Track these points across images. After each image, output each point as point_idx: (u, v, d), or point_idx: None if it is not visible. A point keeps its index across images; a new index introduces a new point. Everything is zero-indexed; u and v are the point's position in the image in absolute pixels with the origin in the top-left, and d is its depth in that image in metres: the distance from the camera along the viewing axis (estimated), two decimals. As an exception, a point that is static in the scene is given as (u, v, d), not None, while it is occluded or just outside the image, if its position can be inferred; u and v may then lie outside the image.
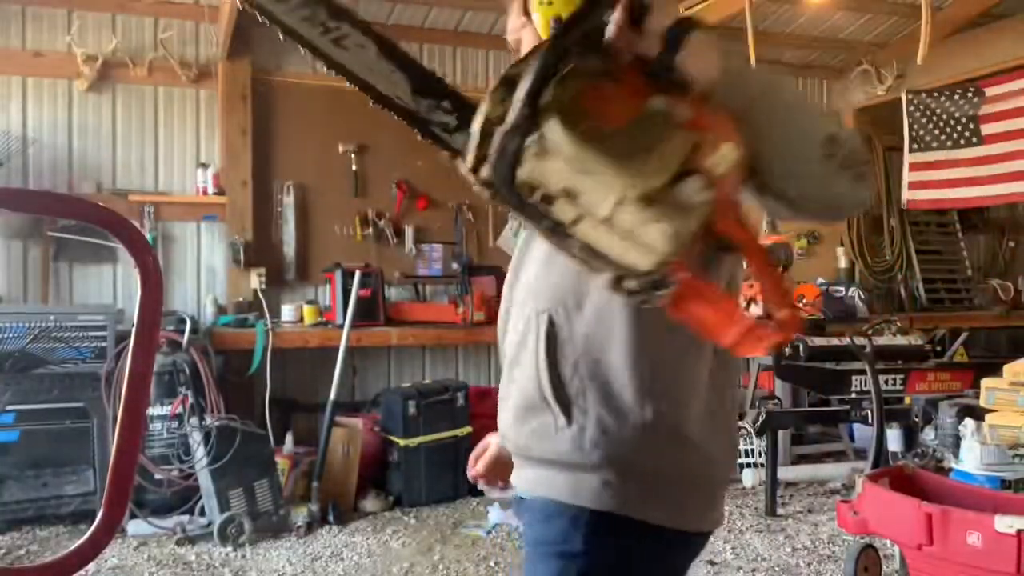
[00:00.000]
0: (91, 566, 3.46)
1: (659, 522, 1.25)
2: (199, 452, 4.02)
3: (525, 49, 1.32)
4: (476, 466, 1.56)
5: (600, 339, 1.25)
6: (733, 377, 1.41)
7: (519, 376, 1.32)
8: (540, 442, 1.29)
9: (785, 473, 4.90)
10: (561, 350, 1.27)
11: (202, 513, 4.12)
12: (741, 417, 4.73)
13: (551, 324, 1.27)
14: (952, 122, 5.97)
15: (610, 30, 0.99)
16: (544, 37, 1.28)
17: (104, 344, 4.28)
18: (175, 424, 4.20)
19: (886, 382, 4.29)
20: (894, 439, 4.05)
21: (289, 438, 4.68)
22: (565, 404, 1.25)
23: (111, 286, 5.06)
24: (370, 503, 4.52)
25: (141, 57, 5.12)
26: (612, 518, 1.24)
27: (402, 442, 4.56)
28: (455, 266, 5.65)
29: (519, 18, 1.38)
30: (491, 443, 1.55)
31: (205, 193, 5.19)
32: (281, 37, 1.31)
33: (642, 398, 1.24)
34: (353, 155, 5.54)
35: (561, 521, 1.27)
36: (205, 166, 5.21)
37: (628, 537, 1.25)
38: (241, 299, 5.15)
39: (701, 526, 1.32)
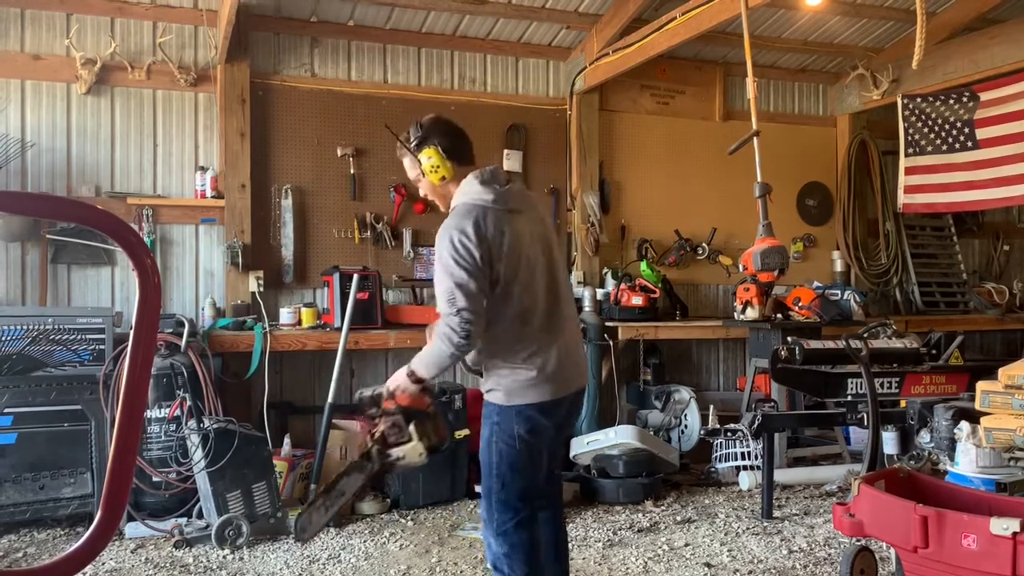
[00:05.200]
0: (88, 569, 3.46)
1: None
2: (197, 454, 4.02)
3: (427, 193, 2.88)
4: None
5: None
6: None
7: None
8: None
9: (781, 476, 4.91)
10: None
11: (200, 515, 4.12)
12: (735, 420, 4.74)
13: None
14: (947, 126, 5.99)
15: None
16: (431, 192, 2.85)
17: (102, 347, 4.29)
18: (173, 426, 4.21)
19: (881, 385, 4.30)
20: (890, 442, 4.05)
21: (287, 440, 4.68)
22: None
23: (109, 289, 5.07)
24: (368, 505, 4.52)
25: (140, 60, 5.13)
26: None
27: (399, 445, 4.57)
28: (452, 269, 5.65)
29: (414, 170, 2.80)
30: None
31: (203, 196, 5.20)
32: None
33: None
34: (351, 158, 5.55)
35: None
36: (203, 169, 5.22)
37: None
38: (239, 302, 5.16)
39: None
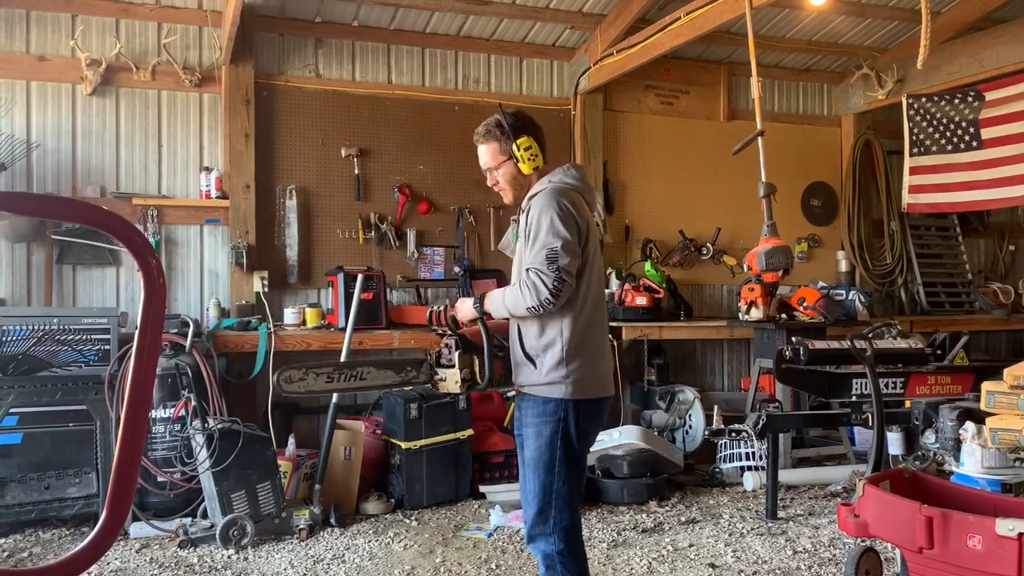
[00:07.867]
0: (93, 569, 3.47)
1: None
2: (201, 455, 4.02)
3: (501, 180, 2.75)
4: None
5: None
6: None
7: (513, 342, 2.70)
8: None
9: (786, 476, 4.90)
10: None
11: (204, 516, 4.13)
12: (740, 420, 4.73)
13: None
14: (952, 126, 5.98)
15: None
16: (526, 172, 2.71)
17: (107, 347, 4.30)
18: (178, 427, 4.22)
19: (886, 385, 4.29)
20: (895, 442, 4.04)
21: (291, 441, 4.69)
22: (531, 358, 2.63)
23: (114, 289, 5.08)
24: (372, 506, 4.53)
25: (144, 61, 5.14)
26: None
27: (404, 445, 4.58)
28: (456, 269, 5.67)
29: (500, 156, 2.71)
30: None
31: (208, 197, 5.21)
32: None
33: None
34: (355, 159, 5.56)
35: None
36: (208, 170, 5.23)
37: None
38: (244, 302, 5.17)
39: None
